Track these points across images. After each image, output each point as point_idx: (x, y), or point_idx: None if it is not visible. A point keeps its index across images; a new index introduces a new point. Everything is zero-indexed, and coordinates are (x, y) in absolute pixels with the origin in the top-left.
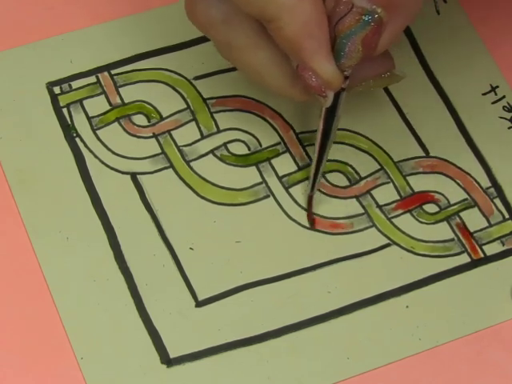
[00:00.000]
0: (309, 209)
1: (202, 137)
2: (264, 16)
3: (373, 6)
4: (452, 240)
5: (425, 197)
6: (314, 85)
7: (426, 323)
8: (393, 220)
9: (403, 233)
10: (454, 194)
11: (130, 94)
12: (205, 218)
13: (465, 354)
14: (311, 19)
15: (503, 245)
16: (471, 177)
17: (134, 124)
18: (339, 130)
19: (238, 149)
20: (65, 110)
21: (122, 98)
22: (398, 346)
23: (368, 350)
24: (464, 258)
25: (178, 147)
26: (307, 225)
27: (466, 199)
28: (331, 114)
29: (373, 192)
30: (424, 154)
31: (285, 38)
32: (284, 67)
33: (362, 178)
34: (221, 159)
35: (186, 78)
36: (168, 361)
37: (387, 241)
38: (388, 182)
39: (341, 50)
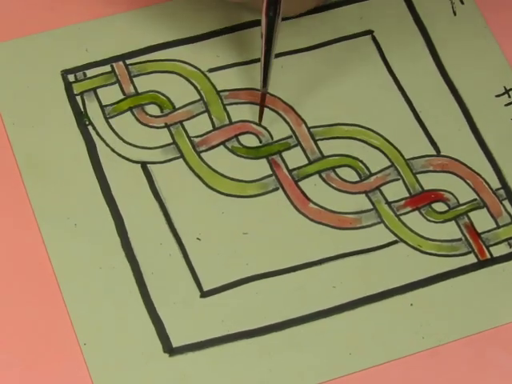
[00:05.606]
0: (261, 105)
1: (214, 128)
2: None
3: None
4: (459, 240)
5: (434, 195)
6: None
7: (430, 322)
8: (401, 217)
9: (411, 230)
10: (463, 193)
11: (143, 84)
12: (213, 208)
13: (467, 354)
14: None
15: (510, 246)
16: (481, 177)
17: (147, 114)
18: (351, 125)
19: (250, 141)
20: (78, 98)
21: (135, 88)
22: (400, 343)
23: (370, 346)
24: (471, 259)
25: (189, 138)
26: (315, 218)
27: (475, 199)
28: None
29: (382, 188)
30: (435, 153)
31: None
32: None
33: (372, 174)
34: (232, 151)
35: (200, 70)
36: (170, 350)
37: (394, 238)
38: (398, 179)
39: None
